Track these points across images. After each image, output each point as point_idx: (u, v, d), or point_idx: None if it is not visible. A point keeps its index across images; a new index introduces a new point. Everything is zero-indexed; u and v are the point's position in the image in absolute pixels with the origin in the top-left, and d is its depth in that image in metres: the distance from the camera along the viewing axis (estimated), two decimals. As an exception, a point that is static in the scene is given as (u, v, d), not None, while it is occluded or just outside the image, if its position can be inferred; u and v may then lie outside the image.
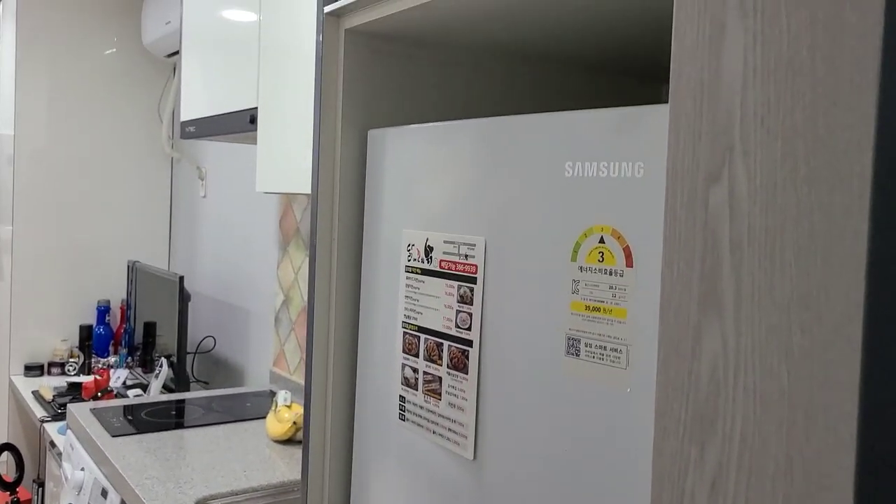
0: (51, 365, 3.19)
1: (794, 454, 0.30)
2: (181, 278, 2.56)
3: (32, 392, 2.84)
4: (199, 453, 1.78)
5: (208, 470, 1.67)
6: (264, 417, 2.10)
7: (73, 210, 3.28)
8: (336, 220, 0.90)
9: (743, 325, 0.32)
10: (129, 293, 3.14)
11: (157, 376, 2.58)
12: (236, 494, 1.57)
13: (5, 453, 2.51)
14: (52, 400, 2.65)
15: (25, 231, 3.20)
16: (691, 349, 0.34)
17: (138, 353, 3.12)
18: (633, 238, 0.56)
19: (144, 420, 2.02)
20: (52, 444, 2.37)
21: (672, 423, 0.35)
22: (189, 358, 2.84)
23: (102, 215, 3.34)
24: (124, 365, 3.11)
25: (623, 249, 0.57)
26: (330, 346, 0.92)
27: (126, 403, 2.18)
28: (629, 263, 0.57)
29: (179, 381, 2.56)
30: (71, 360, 3.20)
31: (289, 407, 1.97)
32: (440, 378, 0.75)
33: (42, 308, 3.24)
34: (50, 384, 2.94)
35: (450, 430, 0.73)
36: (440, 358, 0.74)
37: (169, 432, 1.93)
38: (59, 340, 3.24)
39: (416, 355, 0.78)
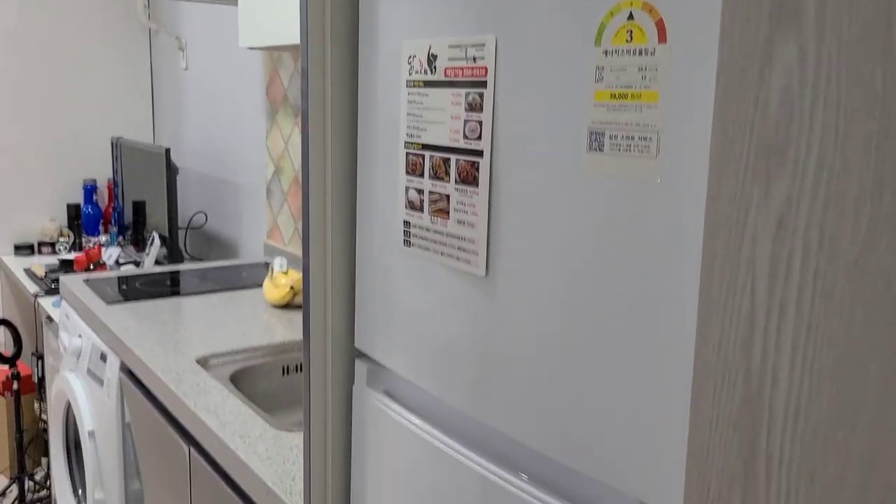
0: (41, 244, 3.15)
1: (886, 170, 0.26)
2: (167, 150, 2.48)
3: (24, 270, 2.81)
4: (196, 318, 1.77)
5: (206, 333, 1.66)
6: (261, 285, 2.08)
7: (51, 88, 3.15)
8: (328, 42, 0.83)
9: (828, 27, 0.27)
10: (115, 171, 3.06)
11: (149, 251, 2.55)
12: (236, 353, 1.57)
13: (1, 328, 2.50)
14: (45, 276, 2.62)
15: (3, 114, 3.08)
16: (759, 71, 0.30)
17: (129, 233, 3.08)
18: (666, 7, 0.50)
19: (139, 289, 2.00)
20: (50, 319, 2.36)
21: (732, 163, 0.31)
22: (181, 234, 2.80)
23: (82, 93, 3.22)
24: (115, 243, 3.07)
25: (655, 23, 0.52)
26: (327, 186, 0.87)
27: (120, 275, 2.15)
28: (662, 39, 0.51)
29: (172, 255, 2.53)
30: (61, 239, 3.16)
31: (285, 273, 1.94)
32: (447, 196, 0.70)
33: (27, 188, 3.17)
34: (41, 262, 2.91)
35: (459, 248, 0.69)
36: (447, 174, 0.70)
37: (165, 300, 1.91)
38: (48, 220, 3.19)
39: (421, 175, 0.73)
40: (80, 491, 2.00)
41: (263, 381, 1.56)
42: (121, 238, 3.07)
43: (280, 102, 2.35)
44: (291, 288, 1.84)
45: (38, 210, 3.20)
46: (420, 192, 0.73)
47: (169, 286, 2.04)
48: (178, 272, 2.22)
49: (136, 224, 3.04)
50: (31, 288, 2.57)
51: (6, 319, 2.52)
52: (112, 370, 1.68)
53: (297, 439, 1.17)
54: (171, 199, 2.49)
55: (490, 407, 0.67)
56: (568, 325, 0.59)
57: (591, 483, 0.59)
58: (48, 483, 2.65)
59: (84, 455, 1.78)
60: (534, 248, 0.61)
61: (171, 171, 2.48)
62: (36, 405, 2.64)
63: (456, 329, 0.70)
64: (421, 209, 0.73)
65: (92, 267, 2.41)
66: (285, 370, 1.60)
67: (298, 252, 2.31)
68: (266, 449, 1.13)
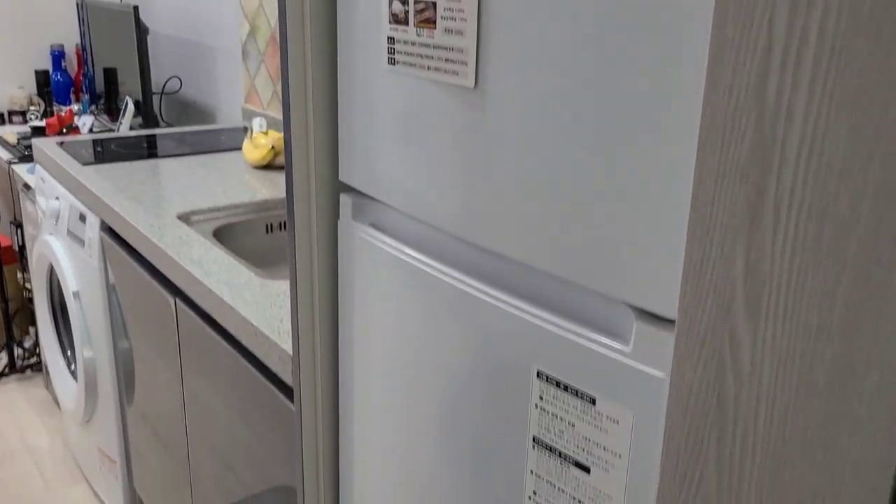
0: (11, 114, 3.05)
1: None
2: (135, 8, 2.35)
3: (-5, 138, 2.72)
4: (174, 179, 1.73)
5: (186, 192, 1.63)
6: (240, 148, 2.03)
7: (5, -59, 2.95)
8: None
9: None
10: (82, 35, 2.92)
11: (123, 117, 2.47)
12: (218, 210, 1.54)
13: (-23, 198, 2.45)
14: (17, 143, 2.55)
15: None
16: None
17: (102, 101, 2.97)
18: None
19: (115, 151, 1.95)
20: (27, 187, 2.31)
21: None
22: (155, 100, 2.71)
23: (40, -53, 3.02)
24: (88, 111, 2.97)
25: None
26: (305, 8, 0.82)
27: (94, 137, 2.09)
28: None
29: (147, 120, 2.45)
30: (32, 108, 3.05)
31: (265, 133, 1.89)
32: (434, 3, 0.66)
33: (-9, 53, 3.03)
34: (13, 131, 2.82)
35: (447, 60, 0.65)
36: (434, -20, 0.65)
37: (142, 161, 1.86)
38: (16, 88, 3.07)
39: (406, -17, 0.68)
40: (68, 352, 2.02)
41: (247, 238, 1.55)
42: (93, 107, 2.97)
43: (253, -45, 2.22)
44: (272, 148, 1.80)
45: (4, 79, 3.07)
46: (404, 2, 0.69)
47: (146, 149, 1.99)
48: (153, 136, 2.15)
49: (108, 92, 2.93)
50: (4, 156, 2.50)
51: (-20, 188, 2.47)
52: (92, 230, 1.66)
53: (283, 286, 1.17)
54: (142, 62, 2.38)
55: (480, 225, 0.65)
56: (561, 134, 0.56)
57: (580, 291, 0.59)
58: (37, 350, 2.68)
59: (70, 316, 1.79)
60: (526, 55, 0.58)
61: (141, 30, 2.37)
62: (19, 275, 2.63)
63: (444, 147, 0.68)
64: (406, 22, 0.69)
65: (65, 131, 2.34)
66: (269, 228, 1.58)
67: (278, 115, 2.24)
68: (252, 295, 1.13)
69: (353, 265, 0.85)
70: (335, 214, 0.88)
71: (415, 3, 0.67)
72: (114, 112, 2.89)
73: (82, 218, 1.70)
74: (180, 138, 2.12)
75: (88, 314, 1.75)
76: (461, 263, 0.71)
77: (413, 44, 0.69)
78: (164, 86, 2.69)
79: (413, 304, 0.75)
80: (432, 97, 0.68)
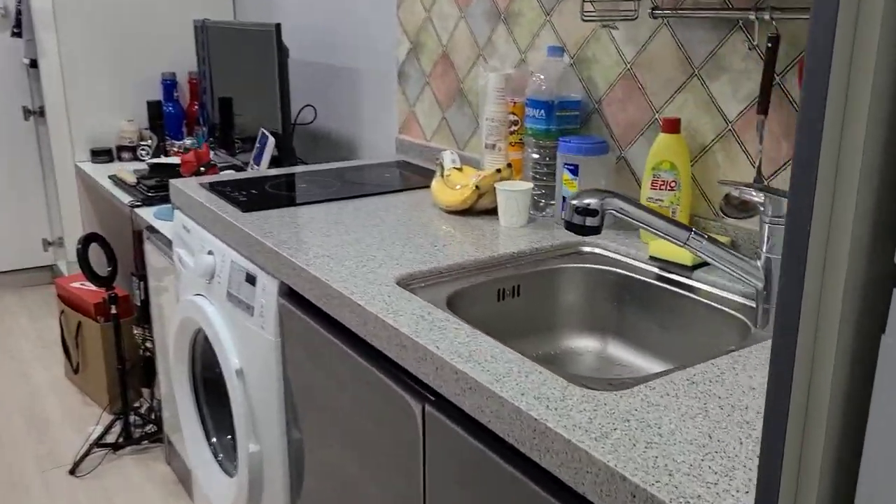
0: (120, 149, 2.79)
1: None
2: (277, 26, 2.04)
3: (110, 177, 2.45)
4: (363, 228, 1.38)
5: (388, 246, 1.28)
6: (412, 188, 1.68)
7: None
8: None
9: None
10: (200, 60, 2.64)
11: (257, 151, 2.15)
12: (441, 273, 1.18)
13: (92, 245, 2.16)
14: (137, 183, 2.26)
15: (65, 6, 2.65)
16: None
17: (216, 134, 2.69)
18: None
19: (274, 194, 1.62)
20: (152, 230, 2.00)
21: None
22: (284, 133, 2.39)
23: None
24: (204, 146, 2.68)
25: None
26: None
27: (241, 177, 1.77)
28: None
29: (285, 156, 2.14)
30: (142, 143, 2.78)
31: (459, 170, 1.54)
32: None
33: (98, 86, 2.78)
34: (127, 168, 2.54)
35: None
36: None
37: (310, 206, 1.53)
38: (125, 121, 2.81)
39: None
40: (213, 438, 1.68)
41: (477, 308, 1.18)
42: (211, 139, 2.68)
43: (418, -39, 1.89)
44: (477, 188, 1.44)
45: (112, 110, 2.82)
46: None
47: (306, 189, 1.65)
48: (305, 174, 1.82)
49: (223, 124, 2.65)
50: (123, 198, 2.21)
51: (97, 234, 2.18)
52: (267, 295, 1.31)
53: (620, 399, 0.79)
54: (283, 88, 2.07)
55: None
56: None
57: None
58: (153, 416, 2.36)
59: (232, 399, 1.44)
60: None
61: (283, 52, 2.06)
62: (137, 331, 2.32)
63: None
64: None
65: (203, 170, 2.03)
66: (501, 294, 1.21)
67: (442, 146, 1.89)
68: (588, 419, 0.75)
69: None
70: (873, 323, 0.50)
71: None
72: (231, 146, 2.60)
73: (250, 279, 1.37)
74: (338, 176, 1.79)
75: (255, 398, 1.40)
76: None
77: None
78: (297, 116, 2.38)
79: None
80: None
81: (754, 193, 1.11)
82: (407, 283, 1.15)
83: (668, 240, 0.99)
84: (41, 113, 3.27)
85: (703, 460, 0.68)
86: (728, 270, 1.00)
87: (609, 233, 1.34)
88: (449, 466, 0.92)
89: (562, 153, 1.37)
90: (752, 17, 1.09)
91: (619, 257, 1.27)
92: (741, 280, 1.01)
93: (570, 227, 1.00)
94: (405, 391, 0.98)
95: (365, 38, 2.15)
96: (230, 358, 1.44)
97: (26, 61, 3.37)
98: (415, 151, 2.01)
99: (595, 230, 0.99)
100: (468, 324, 0.97)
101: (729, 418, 0.75)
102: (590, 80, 1.46)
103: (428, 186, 1.69)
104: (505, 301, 1.22)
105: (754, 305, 1.06)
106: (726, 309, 1.08)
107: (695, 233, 0.99)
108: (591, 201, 0.98)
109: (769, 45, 1.09)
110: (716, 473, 0.66)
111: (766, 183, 1.17)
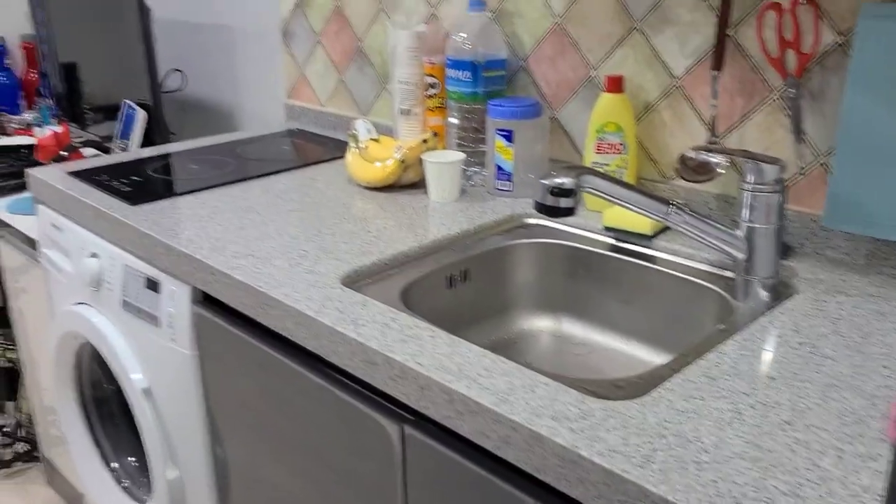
0: (-54, 130, 2.38)
1: None
2: (136, -18, 1.77)
3: (-61, 165, 2.08)
4: (279, 215, 1.21)
5: (316, 236, 1.13)
6: (322, 162, 1.52)
7: None
8: None
9: None
10: (37, 23, 2.28)
11: (122, 126, 1.89)
12: (386, 266, 1.05)
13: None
14: (-22, 171, 1.93)
15: None
16: None
17: (63, 105, 2.35)
18: None
19: (162, 179, 1.40)
20: (4, 224, 1.72)
21: None
22: (149, 102, 2.12)
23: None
24: (51, 121, 2.35)
25: None
26: None
27: (114, 161, 1.52)
28: None
29: (157, 130, 1.88)
30: (-27, 121, 2.39)
31: (377, 141, 1.39)
32: None
33: None
34: (-41, 153, 2.17)
35: None
36: None
37: (212, 191, 1.33)
38: (-51, 96, 2.40)
39: None
40: (113, 464, 1.47)
41: (427, 300, 1.06)
42: (59, 113, 2.34)
43: None
44: (402, 161, 1.30)
45: (-70, 84, 2.40)
46: None
47: (199, 171, 1.45)
48: (189, 153, 1.60)
49: (70, 94, 2.32)
50: (-38, 189, 1.88)
51: (-66, 235, 1.84)
52: (176, 303, 1.13)
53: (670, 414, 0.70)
54: (149, 52, 1.81)
55: None
56: None
57: None
58: (18, 433, 2.08)
59: (141, 422, 1.25)
60: None
61: (144, 10, 1.79)
62: (-6, 341, 2.02)
63: None
64: None
65: (65, 154, 1.74)
66: (451, 281, 1.10)
67: (341, 111, 1.73)
68: (622, 439, 0.66)
69: None
70: None
71: None
72: (80, 119, 2.29)
73: (152, 285, 1.17)
74: (230, 153, 1.59)
75: (169, 420, 1.22)
76: None
77: None
78: (162, 83, 2.11)
79: None
80: None
81: (721, 157, 1.04)
82: (353, 280, 1.01)
83: (647, 215, 0.91)
84: None
85: (764, 479, 0.61)
86: (708, 243, 0.93)
87: (551, 202, 1.25)
88: (436, 493, 0.81)
89: (493, 118, 1.26)
90: (707, -35, 1.01)
91: (569, 229, 1.19)
92: (720, 252, 0.95)
93: (541, 208, 0.90)
94: (377, 412, 0.85)
95: (238, -8, 1.92)
96: (133, 376, 1.24)
97: None
98: (308, 118, 1.82)
99: (569, 211, 0.89)
100: (426, 321, 0.86)
101: (766, 420, 0.68)
102: (514, 37, 1.35)
103: (334, 158, 1.53)
104: (455, 288, 1.11)
105: (727, 275, 1.01)
106: (697, 280, 1.02)
107: (675, 206, 0.91)
108: (566, 181, 0.88)
109: (723, -5, 1.02)
110: (786, 495, 0.59)
111: (719, 142, 1.12)
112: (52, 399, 1.73)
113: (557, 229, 1.19)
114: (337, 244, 1.09)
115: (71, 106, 2.34)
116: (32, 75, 2.52)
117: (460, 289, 1.12)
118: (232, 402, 1.10)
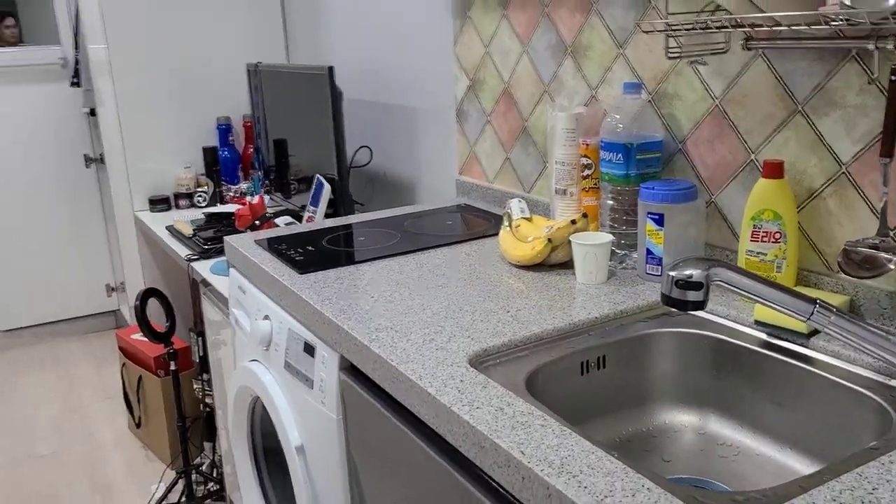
0: (177, 197, 2.75)
1: None
2: (330, 69, 1.96)
3: (167, 228, 2.40)
4: (427, 290, 1.27)
5: (456, 313, 1.16)
6: (480, 238, 1.56)
7: (170, 16, 2.69)
8: None
9: None
10: (254, 104, 2.59)
11: (313, 198, 2.07)
12: (516, 347, 1.06)
13: (151, 300, 2.11)
14: (194, 235, 2.20)
15: (120, 48, 2.64)
16: None
17: (272, 177, 2.63)
18: None
19: (331, 251, 1.52)
20: (206, 284, 1.94)
21: None
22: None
23: (204, 18, 2.74)
24: (260, 191, 2.63)
25: None
26: None
27: (297, 231, 1.68)
28: None
29: (343, 202, 2.05)
30: (199, 189, 2.74)
31: (529, 220, 1.41)
32: None
33: (155, 134, 2.75)
34: (184, 218, 2.50)
35: None
36: None
37: (372, 263, 1.42)
38: (182, 168, 2.78)
39: None
40: (276, 509, 1.58)
41: (557, 387, 1.05)
42: (266, 183, 2.62)
43: (475, -6, 1.79)
44: (549, 241, 1.31)
45: (169, 158, 2.79)
46: None
47: (365, 243, 1.55)
48: (362, 224, 1.72)
49: (279, 166, 2.58)
50: (180, 250, 2.16)
51: (155, 289, 2.12)
52: (327, 369, 1.21)
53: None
54: (338, 134, 1.99)
55: None
56: None
57: None
58: (214, 473, 2.29)
59: (294, 477, 1.34)
60: None
61: (336, 96, 1.97)
62: (196, 385, 2.26)
63: None
64: None
65: (258, 224, 1.96)
66: (584, 367, 1.08)
67: (506, 188, 1.77)
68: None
69: None
70: None
71: None
72: (286, 189, 2.53)
73: (309, 349, 1.27)
74: (398, 225, 1.68)
75: (318, 478, 1.30)
76: None
77: None
78: (352, 158, 2.29)
79: None
80: None
81: (890, 253, 0.95)
82: (481, 360, 1.03)
83: (787, 314, 0.84)
84: (101, 160, 3.28)
85: None
86: (862, 348, 0.84)
87: (703, 289, 1.19)
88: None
89: (644, 201, 1.24)
90: (871, 46, 0.94)
91: (717, 319, 1.13)
92: (879, 359, 0.85)
93: (668, 301, 0.86)
94: (487, 496, 0.85)
95: (420, 76, 2.06)
96: (290, 433, 1.34)
97: (86, 110, 3.40)
98: (477, 193, 1.89)
99: (699, 305, 0.85)
100: (550, 409, 0.85)
101: (896, 561, 0.60)
102: (671, 118, 1.33)
103: (494, 234, 1.57)
104: (589, 374, 1.09)
105: (894, 384, 0.90)
106: (856, 387, 0.92)
107: (820, 305, 0.84)
108: (694, 273, 0.84)
109: (892, 77, 0.94)
110: None
111: (892, 233, 1.01)
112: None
113: (705, 319, 1.14)
114: (475, 322, 1.12)
115: (279, 177, 2.61)
116: (250, 150, 2.85)
117: (595, 376, 1.09)
118: (372, 468, 1.15)
